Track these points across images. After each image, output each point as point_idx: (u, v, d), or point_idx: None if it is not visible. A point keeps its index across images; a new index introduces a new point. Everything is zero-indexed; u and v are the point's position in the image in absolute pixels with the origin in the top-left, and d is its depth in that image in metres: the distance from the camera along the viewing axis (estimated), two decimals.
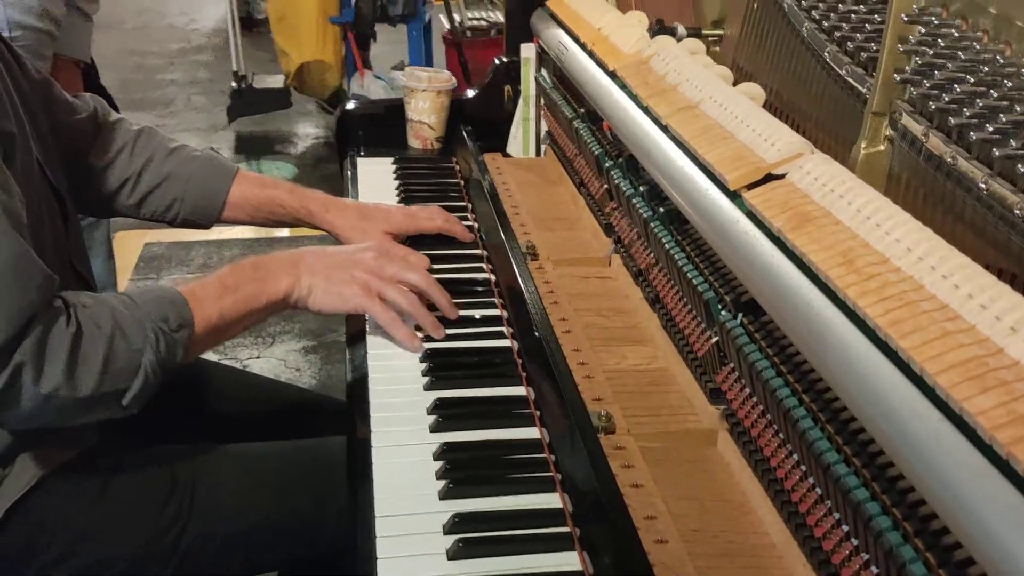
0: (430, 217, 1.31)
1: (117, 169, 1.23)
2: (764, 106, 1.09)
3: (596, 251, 1.36)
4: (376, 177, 1.61)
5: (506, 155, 1.80)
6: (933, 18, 0.76)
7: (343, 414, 1.05)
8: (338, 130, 1.80)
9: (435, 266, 1.25)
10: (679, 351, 1.05)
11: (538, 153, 1.80)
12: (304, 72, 4.06)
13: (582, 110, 1.44)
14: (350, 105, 1.80)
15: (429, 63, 4.28)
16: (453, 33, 4.19)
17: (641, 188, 1.15)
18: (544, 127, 1.75)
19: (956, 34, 0.73)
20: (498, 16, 4.39)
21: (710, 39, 1.23)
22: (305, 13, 3.87)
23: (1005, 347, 0.57)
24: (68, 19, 1.74)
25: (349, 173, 1.65)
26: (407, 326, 1.08)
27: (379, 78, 4.12)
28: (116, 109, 1.96)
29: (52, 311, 0.88)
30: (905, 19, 0.79)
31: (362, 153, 1.72)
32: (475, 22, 4.41)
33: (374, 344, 1.11)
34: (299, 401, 1.36)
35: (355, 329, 1.15)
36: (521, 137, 1.81)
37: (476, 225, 1.41)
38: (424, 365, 1.06)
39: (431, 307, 1.13)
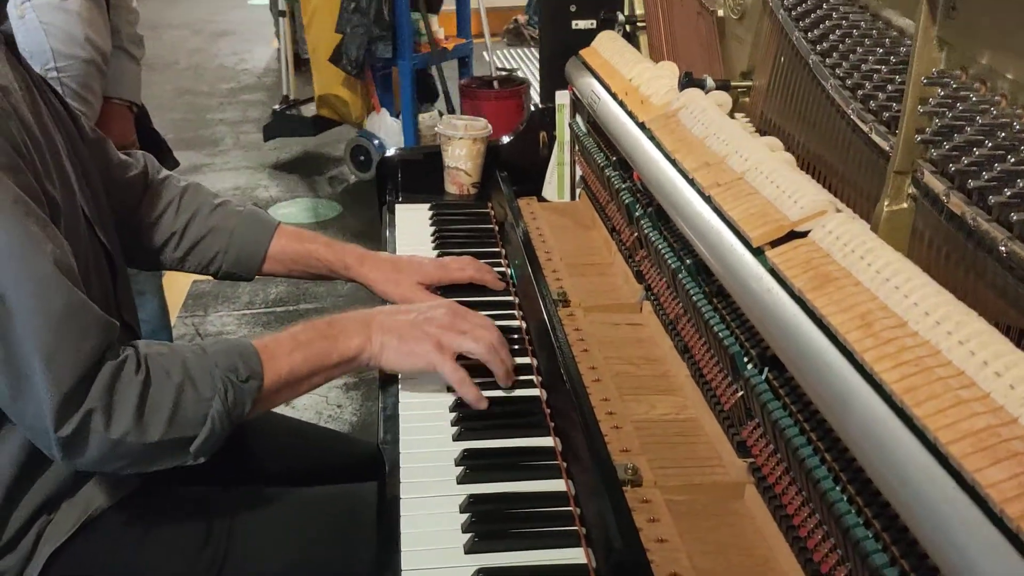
0: (461, 268, 1.33)
1: (164, 224, 1.28)
2: (788, 149, 1.10)
3: (627, 297, 1.38)
4: (413, 223, 1.65)
5: (541, 199, 1.83)
6: (952, 81, 0.77)
7: (376, 461, 1.07)
8: (377, 175, 1.84)
9: (461, 294, 1.29)
10: (707, 402, 1.06)
11: (573, 197, 1.82)
12: (327, 102, 4.24)
13: (614, 158, 1.46)
14: (390, 152, 1.84)
15: (449, 108, 4.32)
16: (470, 83, 4.21)
17: (669, 238, 1.16)
18: (578, 172, 1.77)
19: (974, 98, 0.74)
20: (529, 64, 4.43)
21: (739, 90, 1.25)
22: (323, 49, 4.05)
23: (1019, 417, 0.57)
24: (117, 62, 1.81)
25: (387, 219, 1.68)
26: (476, 387, 1.08)
27: (394, 118, 4.18)
28: (169, 151, 2.04)
29: (122, 359, 0.92)
30: (925, 81, 0.80)
31: (400, 199, 1.76)
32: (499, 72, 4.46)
33: (405, 391, 1.13)
34: (334, 446, 1.38)
35: (387, 375, 1.18)
36: (556, 181, 1.83)
37: (508, 271, 1.43)
38: (453, 415, 1.08)
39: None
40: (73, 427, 0.88)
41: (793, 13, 1.04)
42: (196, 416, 0.94)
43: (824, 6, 0.99)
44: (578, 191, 1.80)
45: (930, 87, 0.80)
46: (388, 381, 1.17)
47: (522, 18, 6.76)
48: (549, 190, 1.85)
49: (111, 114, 1.79)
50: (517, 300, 1.35)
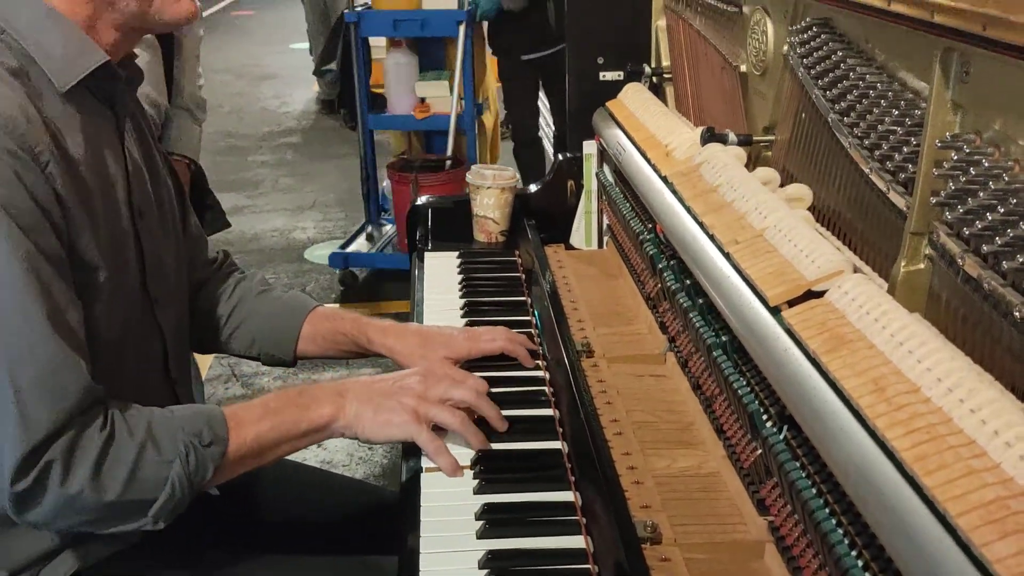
0: (492, 339, 1.29)
1: (216, 311, 1.32)
2: (811, 210, 1.11)
3: (652, 347, 1.38)
4: (441, 272, 1.67)
5: (569, 246, 1.84)
6: (966, 145, 0.77)
7: (397, 512, 1.08)
8: (408, 223, 1.88)
9: (491, 363, 1.28)
10: (729, 457, 1.06)
11: (600, 244, 1.83)
12: None
13: (639, 209, 1.47)
14: (420, 200, 1.87)
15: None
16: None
17: (691, 292, 1.17)
18: (605, 221, 1.79)
19: (987, 163, 0.75)
20: None
21: (761, 144, 1.26)
22: None
23: None
24: (179, 121, 1.89)
25: (416, 266, 1.71)
26: (451, 455, 1.08)
27: None
28: (221, 213, 2.10)
29: (86, 418, 0.93)
30: (939, 145, 0.81)
31: (430, 246, 1.78)
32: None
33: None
34: (354, 499, 1.37)
35: None
36: (583, 229, 1.85)
37: (535, 332, 1.43)
38: (475, 468, 1.09)
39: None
40: (29, 483, 0.89)
41: (812, 72, 1.06)
42: (156, 477, 0.95)
43: (842, 66, 1.00)
44: (605, 239, 1.82)
45: (944, 150, 0.80)
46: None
47: None
48: (577, 238, 1.87)
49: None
50: (541, 351, 1.36)
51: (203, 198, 2.03)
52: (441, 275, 1.66)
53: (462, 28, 3.52)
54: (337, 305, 3.66)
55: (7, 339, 0.90)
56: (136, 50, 1.67)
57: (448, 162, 3.70)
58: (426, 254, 1.75)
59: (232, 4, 12.04)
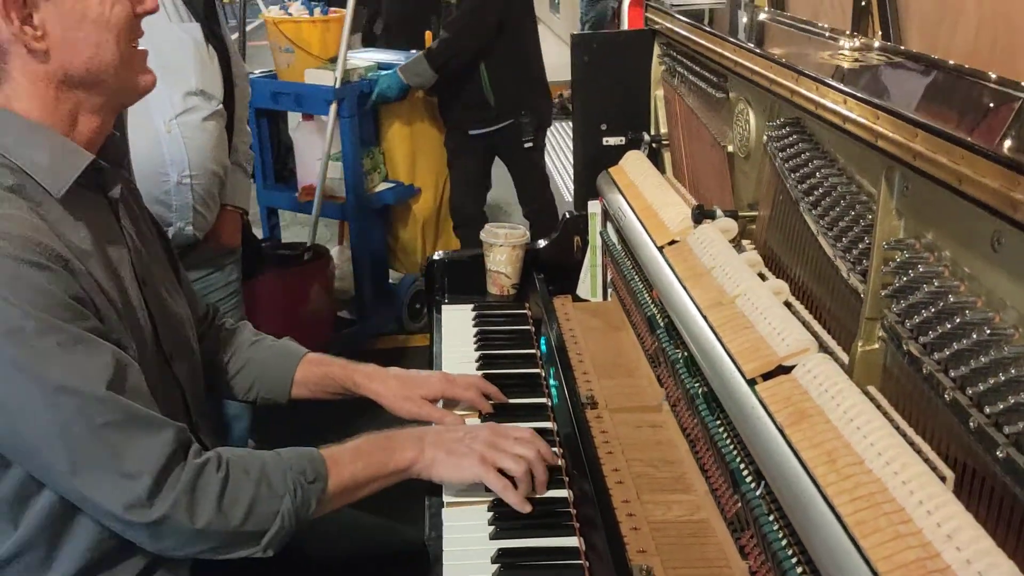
0: (466, 387, 1.44)
1: (216, 360, 1.46)
2: (785, 277, 1.25)
3: (651, 399, 1.51)
4: (457, 323, 1.82)
5: (576, 297, 1.98)
6: (907, 250, 0.91)
7: (419, 554, 1.22)
8: (426, 276, 2.02)
9: (507, 415, 1.42)
10: (717, 505, 1.19)
11: (604, 296, 1.97)
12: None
13: (639, 270, 1.61)
14: (437, 256, 2.02)
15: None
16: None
17: (682, 354, 1.31)
18: (610, 275, 1.92)
19: (922, 268, 0.88)
20: None
21: (745, 219, 1.40)
22: None
23: (941, 552, 0.71)
24: (233, 175, 2.05)
25: (434, 319, 1.86)
26: (518, 494, 1.22)
27: None
28: (263, 257, 2.25)
29: (204, 459, 1.08)
30: (886, 246, 0.94)
31: (446, 299, 1.93)
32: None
33: (449, 494, 1.28)
34: (382, 537, 1.50)
35: None
36: (589, 282, 1.99)
37: (543, 374, 1.58)
38: (491, 514, 1.22)
39: None
40: (159, 514, 1.04)
41: (787, 164, 1.20)
42: (270, 511, 1.10)
43: (810, 165, 1.14)
44: (609, 291, 1.96)
45: (891, 251, 0.94)
46: (434, 488, 1.31)
47: (567, 93, 7.01)
48: (583, 289, 2.01)
49: (226, 218, 2.03)
50: (550, 403, 1.50)
51: (252, 243, 2.21)
52: (457, 327, 1.81)
53: (333, 108, 3.20)
54: None
55: (82, 410, 1.03)
56: (208, 122, 1.84)
57: (306, 254, 3.26)
58: (443, 306, 1.90)
59: (259, 29, 12.25)
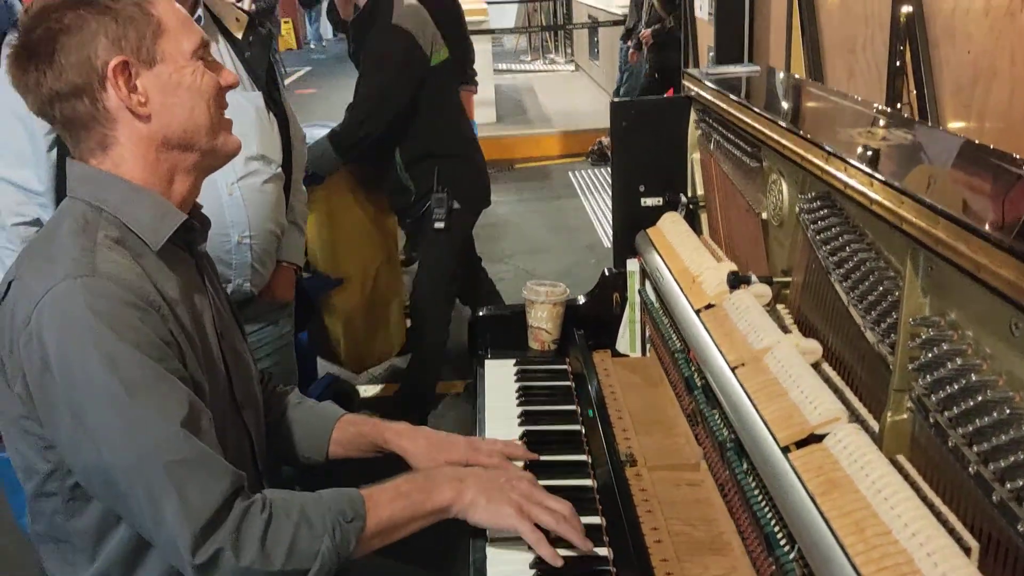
0: (490, 454, 1.48)
1: (267, 422, 1.53)
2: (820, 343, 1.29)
3: (689, 456, 1.56)
4: (500, 379, 1.88)
5: (615, 352, 2.03)
6: (932, 328, 0.96)
7: None
8: (470, 330, 2.09)
9: (547, 471, 1.47)
10: (752, 566, 1.23)
11: (643, 351, 2.02)
12: None
13: (676, 328, 1.66)
14: (482, 311, 2.09)
15: None
16: None
17: (719, 416, 1.35)
18: (648, 331, 1.98)
19: (946, 346, 0.93)
20: None
21: (780, 284, 1.45)
22: None
23: None
24: (289, 232, 2.15)
25: (478, 373, 1.92)
26: (551, 547, 1.26)
27: None
28: (313, 310, 2.34)
29: (251, 501, 1.15)
30: (912, 322, 0.99)
31: (489, 354, 1.99)
32: None
33: (492, 547, 1.33)
34: None
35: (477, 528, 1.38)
36: (628, 337, 2.04)
37: (582, 431, 1.63)
38: (533, 571, 1.27)
39: None
40: (208, 555, 1.10)
41: (818, 237, 1.25)
42: (310, 551, 1.16)
43: (840, 239, 1.19)
44: (648, 346, 2.01)
45: (917, 327, 0.99)
46: (477, 534, 1.37)
47: (605, 140, 7.11)
48: (622, 344, 2.06)
49: (280, 274, 2.12)
50: (590, 460, 1.55)
51: (304, 298, 2.30)
52: (499, 383, 1.87)
53: None
54: None
55: (158, 443, 1.11)
56: (267, 184, 1.94)
57: None
58: (486, 361, 1.96)
59: (297, 82, 12.66)
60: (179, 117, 1.23)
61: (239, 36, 1.98)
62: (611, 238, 2.07)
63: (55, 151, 1.82)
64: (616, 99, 6.84)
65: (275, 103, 2.03)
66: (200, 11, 1.88)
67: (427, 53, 3.06)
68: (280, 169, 2.00)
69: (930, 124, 2.30)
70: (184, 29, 1.24)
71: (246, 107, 1.93)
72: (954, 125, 2.28)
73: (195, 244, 1.35)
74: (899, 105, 2.41)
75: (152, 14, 1.20)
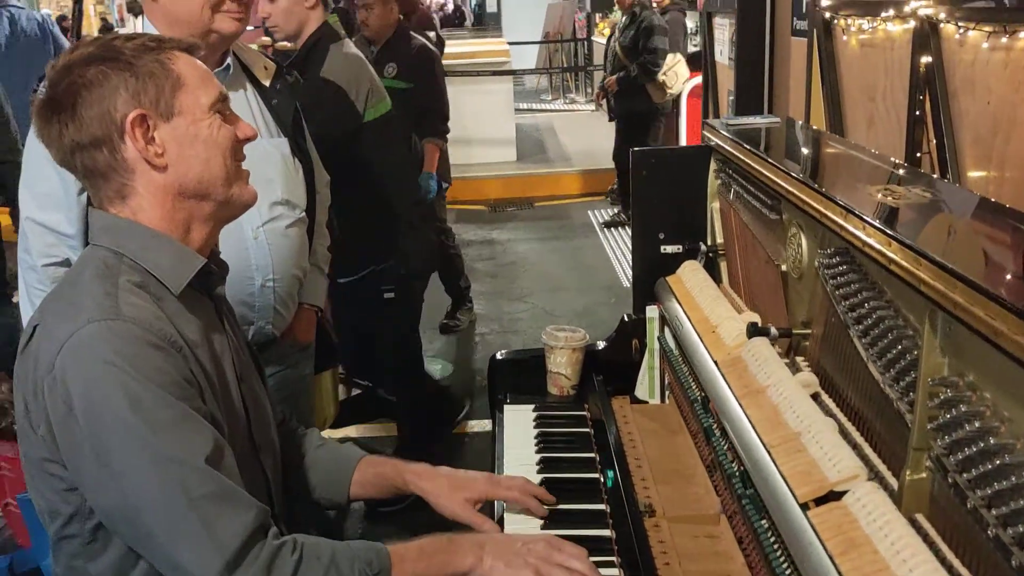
0: (509, 488, 1.51)
1: (288, 463, 1.54)
2: (837, 403, 1.29)
3: (707, 507, 1.55)
4: (519, 425, 1.88)
5: (634, 398, 2.04)
6: (950, 389, 0.96)
7: None
8: (489, 374, 2.10)
9: (562, 521, 1.47)
10: None
11: (663, 398, 2.02)
12: None
13: (695, 377, 1.67)
14: (500, 355, 2.10)
15: None
16: None
17: (737, 470, 1.35)
18: (667, 378, 1.98)
19: (964, 408, 0.93)
20: None
21: (799, 336, 1.45)
22: None
23: None
24: (311, 275, 2.18)
25: (497, 418, 1.93)
26: None
27: None
28: (337, 351, 2.36)
29: (281, 542, 1.17)
30: (931, 382, 1.00)
31: (508, 399, 2.00)
32: None
33: None
34: None
35: None
36: (647, 383, 2.05)
37: (601, 480, 1.63)
38: None
39: None
40: None
41: (837, 292, 1.26)
42: None
43: (859, 295, 1.20)
44: (667, 393, 2.01)
45: (936, 387, 0.99)
46: None
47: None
48: (641, 390, 2.06)
49: (302, 316, 2.15)
50: (608, 509, 1.55)
51: (325, 339, 2.32)
52: (518, 429, 1.87)
53: None
54: None
55: (183, 480, 1.14)
56: (291, 229, 1.98)
57: None
58: (505, 407, 1.97)
59: None
60: (195, 168, 1.26)
61: (267, 84, 2.03)
62: (630, 278, 2.09)
63: (85, 195, 1.87)
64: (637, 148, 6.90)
65: (300, 150, 2.07)
66: (229, 60, 1.93)
67: (360, 108, 2.90)
68: (304, 214, 2.04)
69: (950, 174, 2.31)
70: (203, 84, 1.28)
71: (272, 153, 1.97)
72: (974, 175, 2.29)
73: (214, 288, 1.37)
74: (919, 154, 2.42)
75: (172, 69, 1.25)
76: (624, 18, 6.29)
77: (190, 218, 1.29)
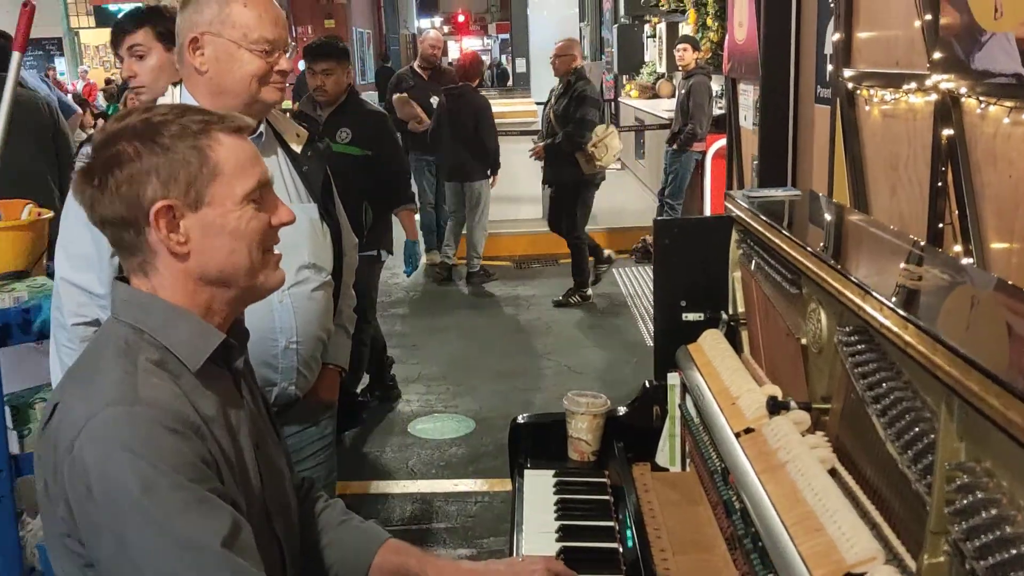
0: (531, 573, 1.45)
1: (303, 534, 1.54)
2: (856, 479, 1.29)
3: None
4: (539, 490, 1.89)
5: (655, 466, 2.03)
6: (967, 474, 0.97)
7: None
8: (510, 438, 2.11)
9: None
10: None
11: (683, 466, 2.02)
12: None
13: (715, 446, 1.67)
14: (521, 419, 2.11)
15: None
16: None
17: (756, 545, 1.35)
18: (688, 445, 1.98)
19: (981, 494, 0.93)
20: None
21: (819, 411, 1.46)
22: None
23: None
24: (336, 336, 2.21)
25: (517, 484, 1.93)
26: None
27: None
28: (362, 415, 2.38)
29: None
30: (948, 466, 1.00)
31: (529, 464, 2.01)
32: None
33: None
34: None
35: None
36: (668, 451, 2.04)
37: (620, 549, 1.62)
38: None
39: None
40: None
41: (856, 370, 1.27)
42: None
43: (878, 375, 1.21)
44: (688, 461, 2.01)
45: (953, 471, 0.99)
46: None
47: (649, 238, 7.18)
48: (662, 457, 2.06)
49: (325, 376, 2.17)
50: None
51: (348, 399, 2.34)
52: (538, 495, 1.88)
53: None
54: (435, 481, 3.89)
55: (200, 564, 1.14)
56: (317, 292, 2.02)
57: None
58: (526, 471, 1.98)
59: None
60: (217, 259, 1.25)
61: (298, 150, 2.09)
62: (652, 336, 2.10)
63: (117, 258, 1.92)
64: (662, 206, 6.96)
65: (329, 214, 2.12)
66: (263, 127, 1.99)
67: None
68: (330, 277, 2.08)
69: (972, 245, 2.32)
70: (241, 173, 1.26)
71: (301, 218, 2.02)
72: (997, 246, 2.29)
73: (233, 362, 1.35)
74: (941, 225, 2.44)
75: (210, 157, 1.23)
76: (559, 86, 6.21)
77: (212, 299, 1.29)
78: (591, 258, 6.36)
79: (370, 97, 19.63)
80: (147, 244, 1.23)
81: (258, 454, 1.37)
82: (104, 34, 18.84)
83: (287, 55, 1.90)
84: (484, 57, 18.26)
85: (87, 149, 1.31)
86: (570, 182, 6.14)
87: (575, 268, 6.33)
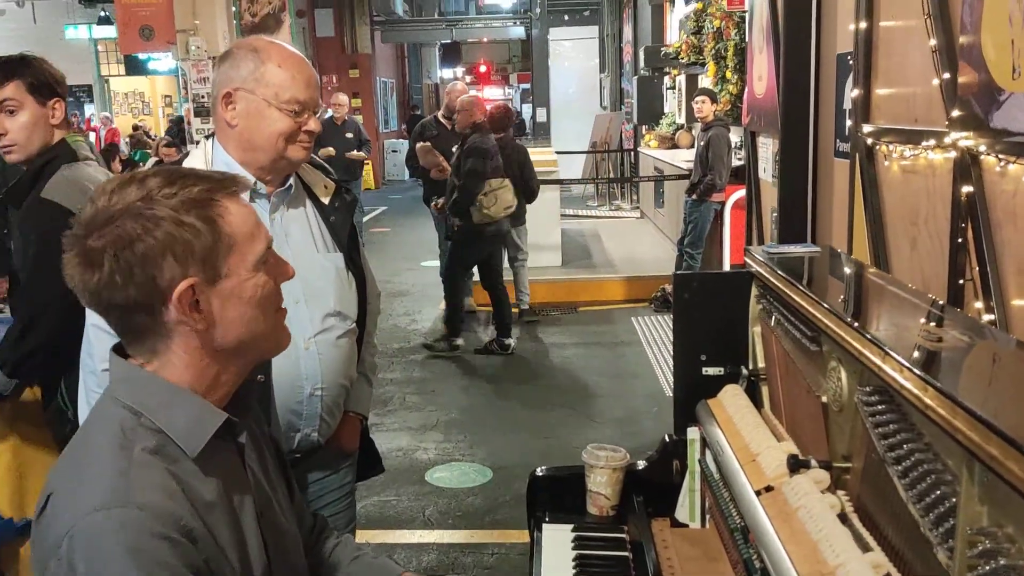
0: None
1: (317, 573, 1.54)
2: (879, 541, 1.28)
3: None
4: (557, 545, 1.88)
5: (675, 522, 2.02)
6: (989, 539, 0.96)
7: None
8: (528, 491, 2.11)
9: None
10: None
11: (703, 522, 2.01)
12: None
13: (735, 502, 1.66)
14: (539, 471, 2.11)
15: None
16: None
17: None
18: (708, 500, 1.97)
19: (1004, 561, 0.93)
20: None
21: (839, 469, 1.45)
22: None
23: None
24: (359, 383, 2.23)
25: (535, 537, 1.93)
26: None
27: None
28: (379, 461, 2.38)
29: None
30: (970, 531, 1.00)
31: (547, 518, 2.00)
32: None
33: None
34: None
35: None
36: (688, 506, 2.03)
37: None
38: None
39: None
40: None
41: (877, 431, 1.27)
42: None
43: (898, 436, 1.21)
44: (707, 517, 1.99)
45: (975, 536, 0.99)
46: None
47: (668, 287, 7.18)
48: (682, 513, 2.05)
49: (347, 424, 2.19)
50: None
51: (367, 447, 2.36)
52: (556, 550, 1.87)
53: None
54: (456, 532, 3.87)
55: None
56: (342, 339, 2.05)
57: None
58: (544, 526, 1.97)
59: (371, 220, 13.21)
60: (235, 330, 1.21)
61: (326, 202, 2.13)
62: (671, 386, 2.11)
63: None
64: (679, 272, 6.96)
65: (354, 263, 2.16)
66: (291, 180, 2.04)
67: None
68: (355, 324, 2.11)
69: (993, 302, 2.32)
70: (251, 239, 1.21)
71: (328, 267, 2.06)
72: (1018, 303, 2.29)
73: (237, 436, 1.29)
74: (961, 281, 2.44)
75: (222, 230, 1.17)
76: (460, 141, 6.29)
77: (221, 371, 1.24)
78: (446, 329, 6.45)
79: (396, 144, 19.93)
80: (163, 325, 1.17)
81: (262, 523, 1.31)
82: (134, 82, 19.30)
83: (316, 115, 1.95)
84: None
85: (76, 230, 1.16)
86: (462, 230, 6.19)
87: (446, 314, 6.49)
